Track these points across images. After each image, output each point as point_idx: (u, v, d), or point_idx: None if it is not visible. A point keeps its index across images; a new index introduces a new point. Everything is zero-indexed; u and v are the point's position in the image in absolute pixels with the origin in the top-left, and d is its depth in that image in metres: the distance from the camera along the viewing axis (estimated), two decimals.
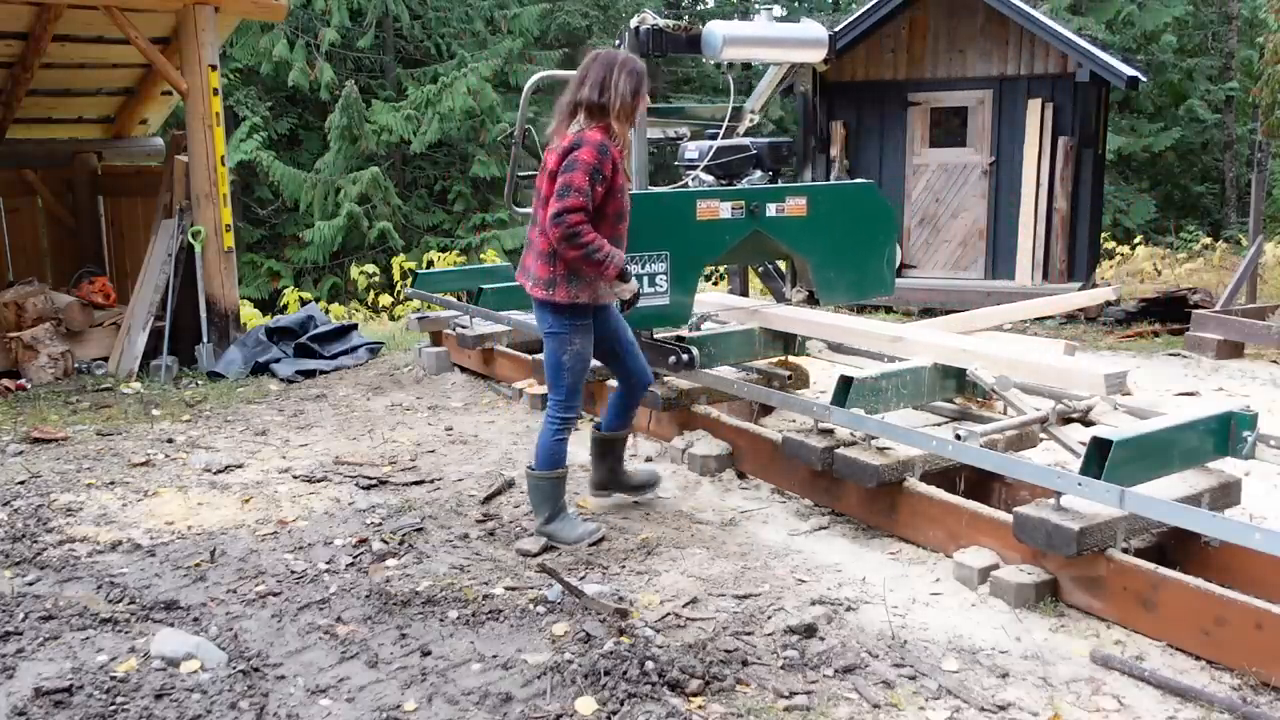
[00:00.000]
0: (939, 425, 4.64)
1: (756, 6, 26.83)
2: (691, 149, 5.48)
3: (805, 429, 4.35)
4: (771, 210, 5.01)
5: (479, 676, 2.95)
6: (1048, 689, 2.88)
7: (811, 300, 5.67)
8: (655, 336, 5.13)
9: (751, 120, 5.88)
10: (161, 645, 3.09)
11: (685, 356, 4.99)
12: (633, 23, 5.06)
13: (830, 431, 4.22)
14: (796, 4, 26.66)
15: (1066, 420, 4.32)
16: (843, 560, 3.79)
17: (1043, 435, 4.28)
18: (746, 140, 5.55)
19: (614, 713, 2.73)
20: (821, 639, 3.14)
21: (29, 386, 7.07)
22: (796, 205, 5.10)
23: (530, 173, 6.84)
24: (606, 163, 3.73)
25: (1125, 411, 4.36)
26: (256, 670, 3.00)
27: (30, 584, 3.68)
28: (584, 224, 3.67)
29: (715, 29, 5.03)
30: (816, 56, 5.39)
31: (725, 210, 4.91)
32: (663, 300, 4.81)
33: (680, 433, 5.15)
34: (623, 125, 3.87)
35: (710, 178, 5.38)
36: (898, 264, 10.33)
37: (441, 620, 3.31)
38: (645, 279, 4.73)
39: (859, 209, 5.26)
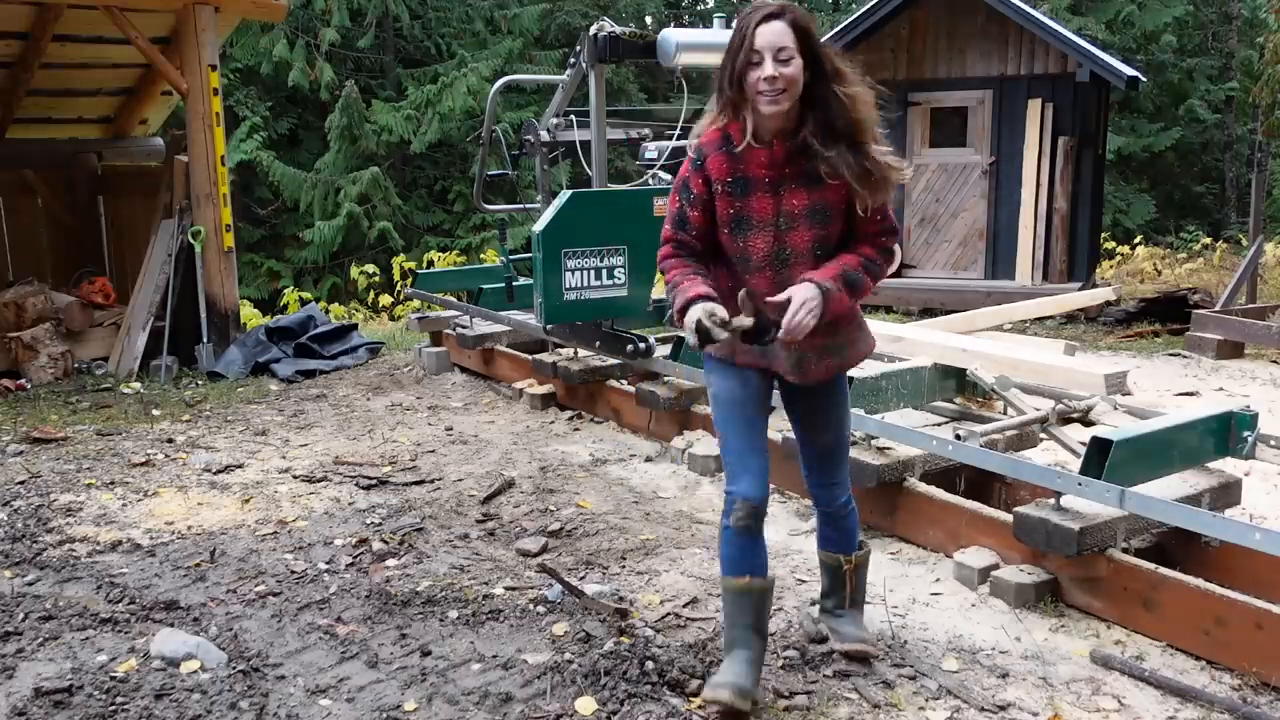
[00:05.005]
0: (939, 425, 4.64)
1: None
2: (651, 149, 5.80)
3: None
4: None
5: (479, 676, 2.95)
6: (1048, 689, 2.88)
7: None
8: (614, 326, 5.49)
9: None
10: (161, 645, 3.09)
11: (642, 345, 5.30)
12: (591, 30, 5.41)
13: None
14: (796, 4, 26.63)
15: (1066, 420, 4.32)
16: None
17: (1043, 435, 4.28)
18: None
19: (614, 713, 2.73)
20: (822, 639, 3.14)
21: (29, 386, 7.06)
22: None
23: (500, 172, 7.02)
24: (694, 176, 2.75)
25: (1125, 411, 4.37)
26: (256, 670, 3.00)
27: (30, 584, 3.68)
28: (667, 259, 2.82)
29: (669, 36, 5.30)
30: None
31: None
32: (621, 292, 5.29)
33: (680, 433, 5.15)
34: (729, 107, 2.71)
35: (669, 176, 5.61)
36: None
37: (441, 620, 3.31)
38: (605, 272, 5.22)
39: None
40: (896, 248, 2.88)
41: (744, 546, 2.76)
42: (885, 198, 2.70)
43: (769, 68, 2.58)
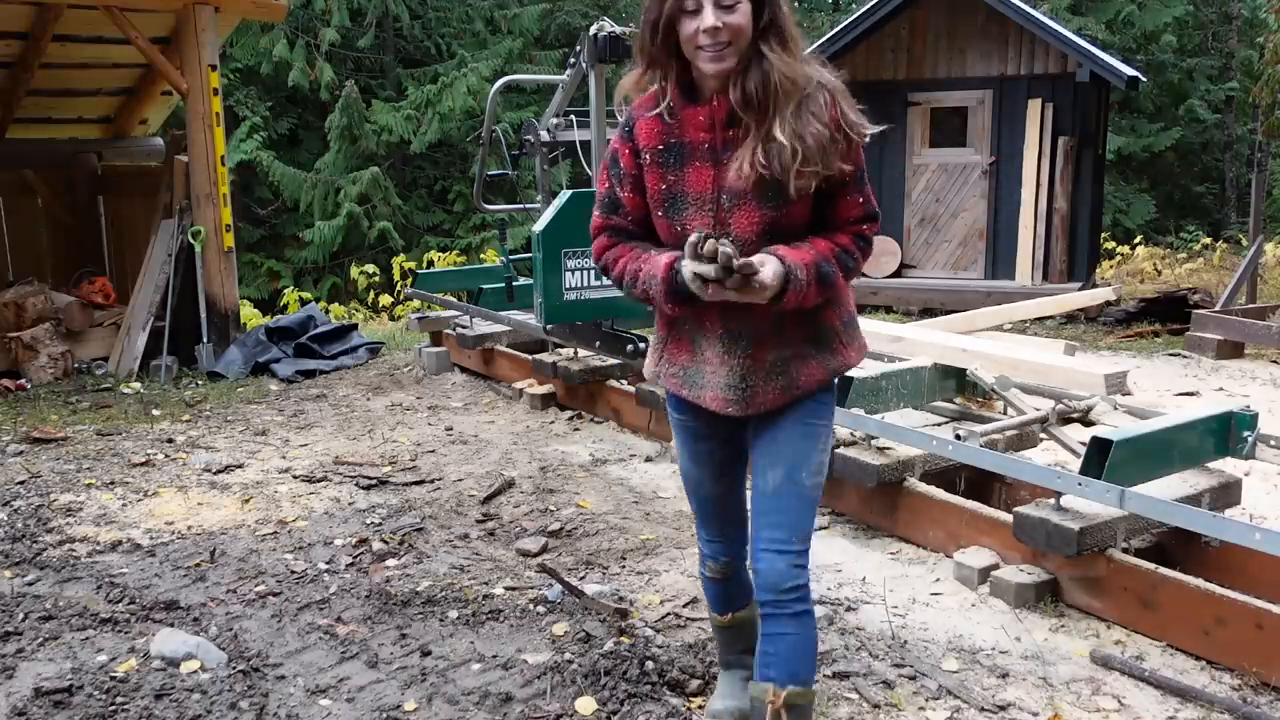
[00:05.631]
0: (939, 425, 4.63)
1: None
2: None
3: None
4: None
5: (479, 676, 2.95)
6: (1048, 689, 2.88)
7: None
8: (614, 326, 5.47)
9: None
10: (161, 645, 3.09)
11: (642, 345, 5.29)
12: (591, 30, 5.44)
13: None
14: (797, 4, 26.67)
15: (1066, 420, 4.32)
16: (843, 560, 3.78)
17: (1043, 435, 4.27)
18: None
19: (614, 713, 2.73)
20: (822, 639, 3.14)
21: (29, 386, 7.06)
22: None
23: (500, 172, 7.03)
24: (622, 148, 2.29)
25: (1125, 411, 4.36)
26: (256, 670, 3.00)
27: (30, 584, 3.68)
28: (606, 250, 2.38)
29: None
30: None
31: None
32: (621, 292, 5.15)
33: None
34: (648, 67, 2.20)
35: None
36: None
37: (441, 620, 3.31)
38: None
39: None
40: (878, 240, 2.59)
41: (721, 591, 2.64)
42: (839, 162, 2.15)
43: (710, 17, 2.04)
